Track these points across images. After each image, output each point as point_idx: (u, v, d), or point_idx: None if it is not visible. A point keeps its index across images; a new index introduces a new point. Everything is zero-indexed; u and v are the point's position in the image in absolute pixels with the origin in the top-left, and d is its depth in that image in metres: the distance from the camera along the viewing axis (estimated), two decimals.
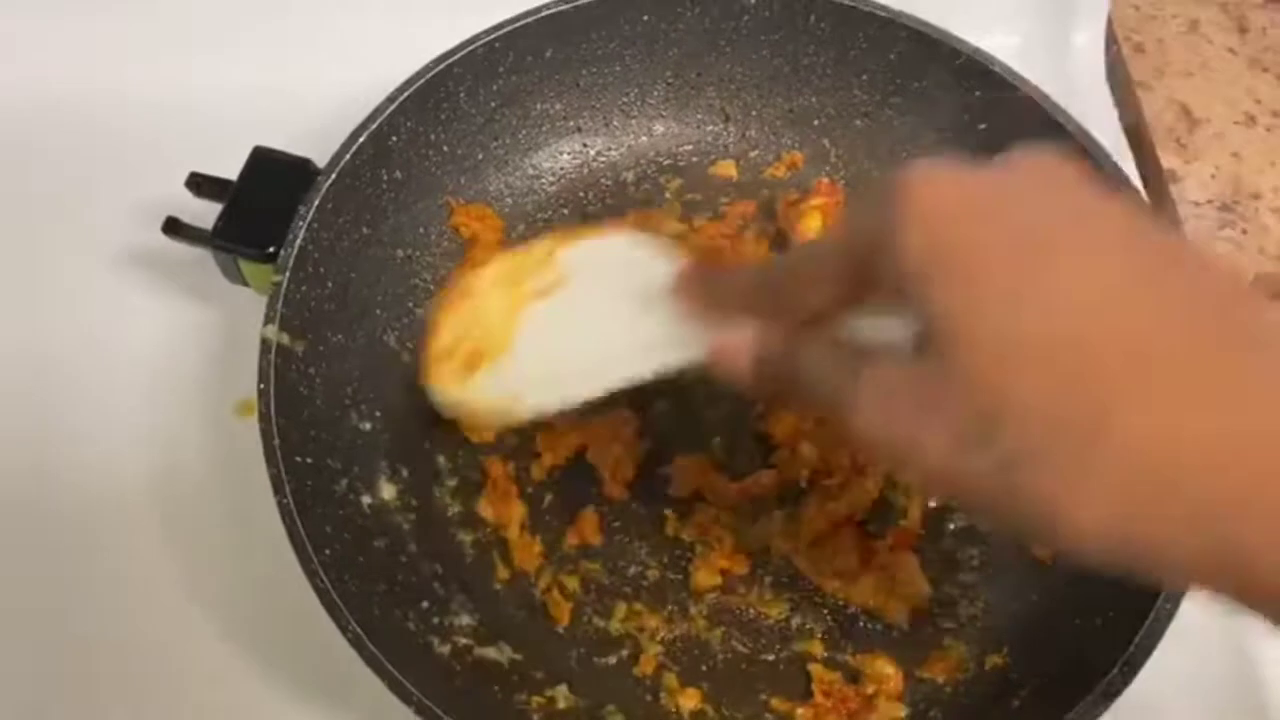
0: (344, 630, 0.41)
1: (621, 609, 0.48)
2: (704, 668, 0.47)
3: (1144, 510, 0.26)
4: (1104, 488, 0.26)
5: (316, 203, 0.48)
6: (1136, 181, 0.61)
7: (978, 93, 0.53)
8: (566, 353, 0.41)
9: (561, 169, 0.58)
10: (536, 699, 0.45)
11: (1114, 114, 0.65)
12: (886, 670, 0.46)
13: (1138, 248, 0.28)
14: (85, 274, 0.57)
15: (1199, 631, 0.44)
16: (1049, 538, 0.27)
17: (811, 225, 0.54)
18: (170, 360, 0.55)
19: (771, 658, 0.48)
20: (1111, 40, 0.67)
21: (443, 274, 0.54)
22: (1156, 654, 0.41)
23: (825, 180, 0.56)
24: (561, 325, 0.42)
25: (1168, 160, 0.63)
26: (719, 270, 0.40)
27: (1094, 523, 0.26)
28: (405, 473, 0.50)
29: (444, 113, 0.53)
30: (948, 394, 0.28)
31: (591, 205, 0.57)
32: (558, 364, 0.41)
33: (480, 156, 0.55)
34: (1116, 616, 0.42)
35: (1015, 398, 0.27)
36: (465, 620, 0.47)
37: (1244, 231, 0.61)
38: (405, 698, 0.40)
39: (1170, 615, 0.41)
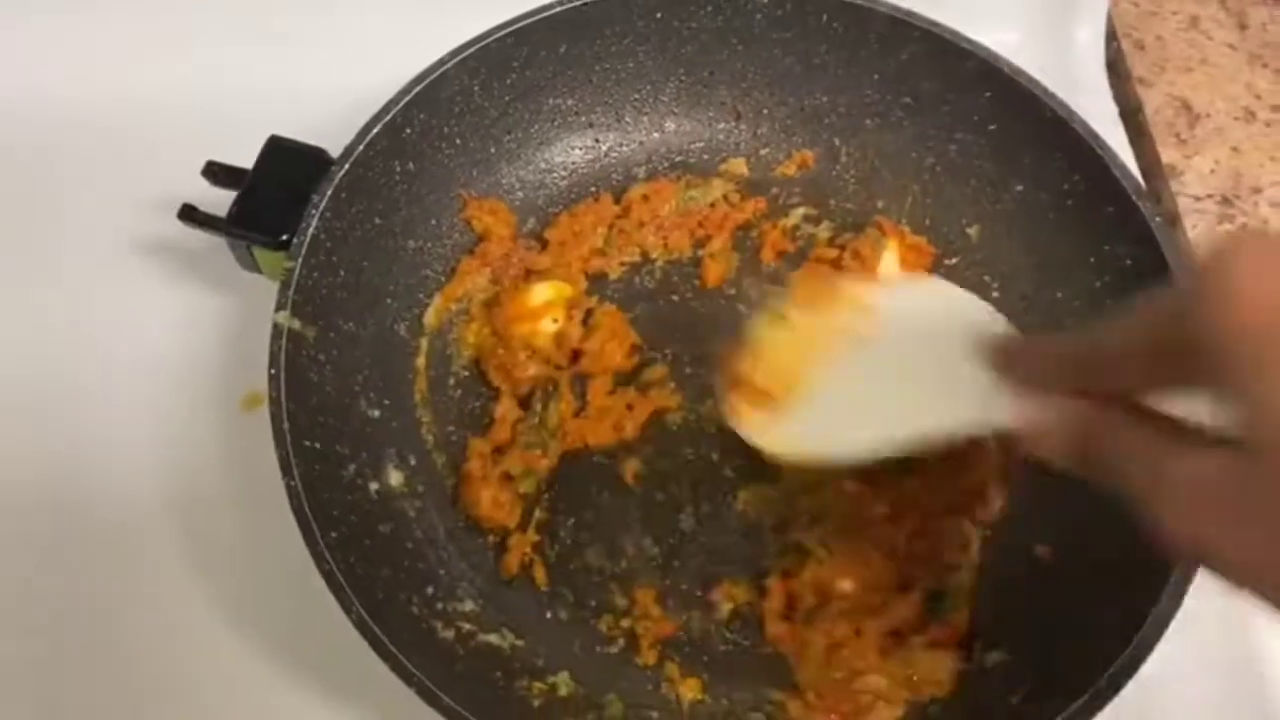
0: (348, 612, 0.41)
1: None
2: (704, 658, 0.48)
3: None
4: None
5: (330, 192, 0.49)
6: (1137, 175, 0.61)
7: (987, 94, 0.54)
8: (871, 400, 0.41)
9: (573, 163, 0.58)
10: (538, 685, 0.46)
11: (1114, 109, 0.65)
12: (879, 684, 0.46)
13: None
14: (102, 260, 0.58)
15: (1200, 628, 0.44)
16: None
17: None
18: (184, 345, 0.56)
19: (770, 651, 0.48)
20: (1112, 36, 0.68)
21: (453, 265, 0.55)
22: (1157, 650, 0.41)
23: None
24: (871, 375, 0.41)
25: (1168, 155, 0.63)
26: (1033, 341, 0.39)
27: None
28: (412, 460, 0.51)
29: (457, 106, 0.53)
30: (1268, 497, 0.26)
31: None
32: (863, 412, 0.41)
33: (493, 150, 0.56)
34: (1118, 614, 0.42)
35: None
36: (469, 606, 0.48)
37: (1243, 225, 0.61)
38: (407, 679, 0.40)
39: (1171, 614, 0.41)
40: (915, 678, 0.46)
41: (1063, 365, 0.35)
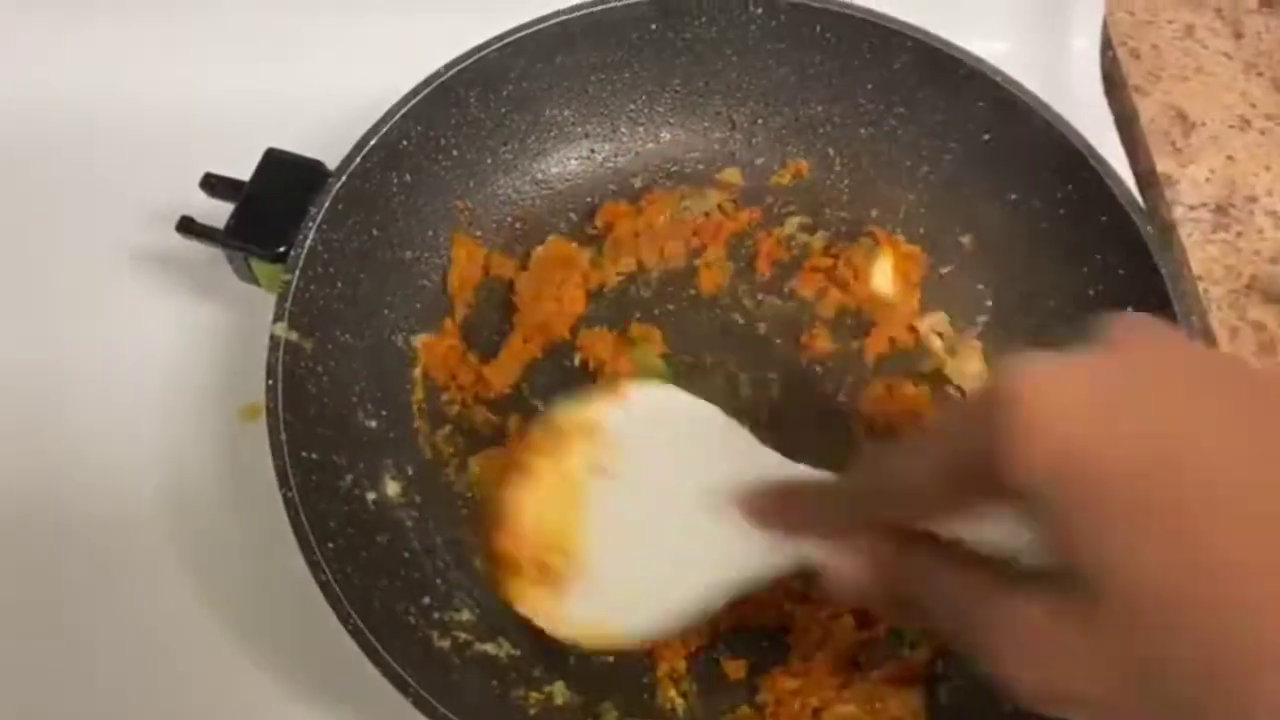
0: (345, 622, 0.41)
1: None
2: (698, 668, 0.48)
3: None
4: None
5: (327, 204, 0.49)
6: (1131, 184, 0.61)
7: (980, 103, 0.54)
8: (648, 567, 0.38)
9: (569, 174, 0.58)
10: (534, 694, 0.46)
11: (1110, 117, 0.65)
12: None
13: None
14: (100, 272, 0.58)
15: None
16: None
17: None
18: (182, 356, 0.56)
19: None
20: (1107, 45, 0.68)
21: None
22: None
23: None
24: (637, 518, 0.39)
25: (1163, 164, 0.64)
26: (793, 489, 0.36)
27: None
28: (410, 470, 0.51)
29: (454, 117, 0.54)
30: (1109, 638, 0.25)
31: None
32: (643, 581, 0.38)
33: (489, 161, 0.56)
34: None
35: (1176, 650, 0.24)
36: (465, 616, 0.48)
37: (1238, 234, 0.61)
38: (403, 689, 0.40)
39: None
40: (880, 708, 0.45)
41: (841, 502, 0.34)
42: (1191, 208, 0.62)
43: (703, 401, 0.40)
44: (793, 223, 0.57)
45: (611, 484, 0.39)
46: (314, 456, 0.46)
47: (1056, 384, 0.26)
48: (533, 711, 0.45)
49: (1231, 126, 0.65)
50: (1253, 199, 0.62)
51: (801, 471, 0.38)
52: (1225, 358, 0.27)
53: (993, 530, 0.30)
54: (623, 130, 0.59)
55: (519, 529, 0.39)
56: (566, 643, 0.40)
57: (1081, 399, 0.26)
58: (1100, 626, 0.25)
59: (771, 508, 0.36)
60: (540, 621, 0.39)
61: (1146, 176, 0.64)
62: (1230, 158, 0.64)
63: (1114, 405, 0.26)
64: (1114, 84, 0.67)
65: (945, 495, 0.29)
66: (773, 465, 0.38)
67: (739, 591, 0.37)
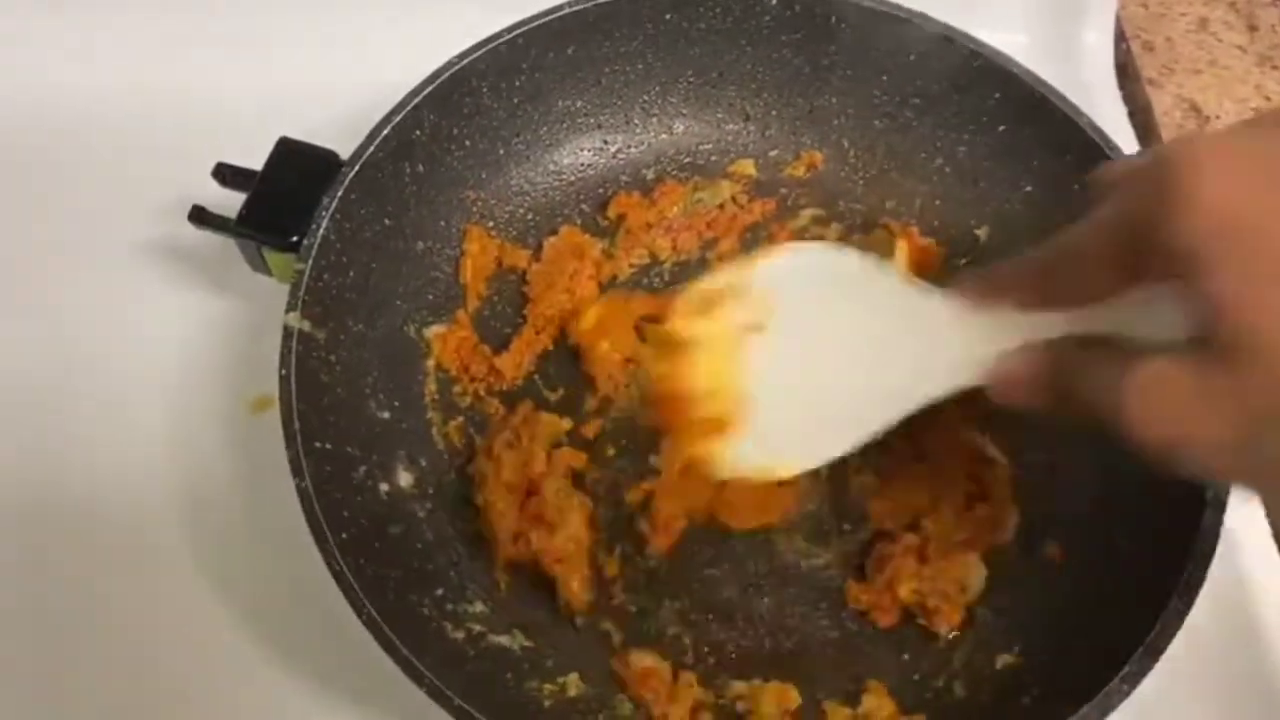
0: (359, 613, 0.41)
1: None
2: (713, 659, 0.48)
3: None
4: None
5: (340, 194, 0.49)
6: None
7: (996, 95, 0.54)
8: (817, 397, 0.39)
9: (582, 165, 0.58)
10: (548, 686, 0.46)
11: (1123, 111, 0.65)
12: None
13: None
14: (113, 262, 0.58)
15: (1211, 631, 0.44)
16: None
17: None
18: (194, 347, 0.56)
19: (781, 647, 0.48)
20: (1121, 38, 0.68)
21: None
22: (1168, 654, 0.41)
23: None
24: (797, 363, 0.40)
25: None
26: (996, 268, 0.39)
27: None
28: (423, 462, 0.51)
29: (467, 108, 0.53)
30: (1236, 385, 0.28)
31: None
32: (813, 412, 0.40)
33: (502, 152, 0.56)
34: (1129, 615, 0.42)
35: None
36: (479, 608, 0.48)
37: None
38: (417, 679, 0.40)
39: (1183, 615, 0.41)
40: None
41: (1025, 273, 0.36)
42: None
43: (851, 252, 0.41)
44: (806, 215, 0.57)
45: (768, 337, 0.40)
46: (327, 447, 0.46)
47: (1225, 154, 0.28)
48: (546, 703, 0.45)
49: (1245, 119, 0.64)
50: None
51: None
52: None
53: (1149, 317, 0.32)
54: (636, 121, 0.58)
55: (682, 390, 0.40)
56: (738, 479, 0.41)
57: (1246, 168, 0.27)
58: (1229, 379, 0.28)
59: (980, 284, 0.38)
60: (724, 468, 0.40)
61: None
62: None
63: (1275, 179, 0.27)
64: (1128, 77, 0.67)
65: (1112, 264, 0.32)
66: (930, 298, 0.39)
67: (906, 411, 0.38)
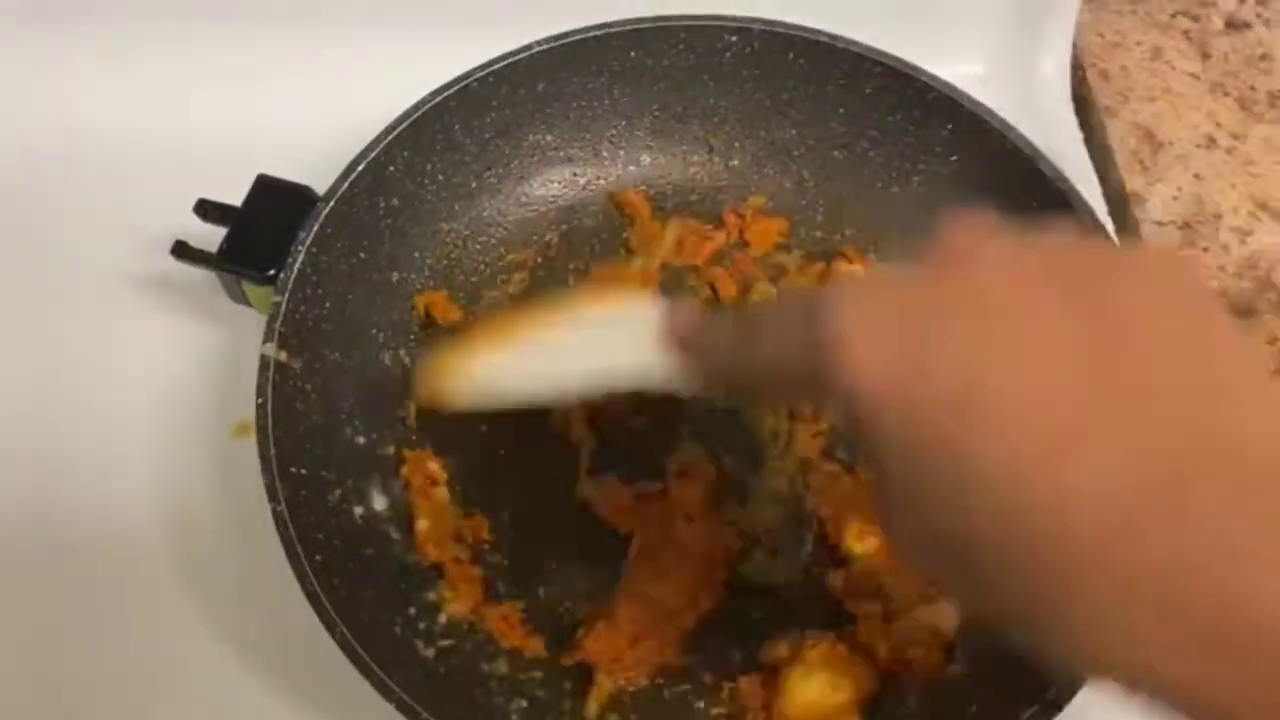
0: (331, 631, 0.43)
1: None
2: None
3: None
4: None
5: (315, 228, 0.51)
6: (1102, 203, 0.63)
7: (949, 125, 0.56)
8: (549, 352, 0.43)
9: (553, 196, 0.60)
10: (518, 701, 0.47)
11: (1079, 137, 0.67)
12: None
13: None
14: (96, 294, 0.60)
15: None
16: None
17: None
18: (175, 376, 0.57)
19: None
20: (1078, 66, 0.70)
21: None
22: None
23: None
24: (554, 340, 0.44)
25: (1132, 182, 0.65)
26: (700, 324, 0.40)
27: None
28: (397, 487, 0.53)
29: (439, 143, 0.55)
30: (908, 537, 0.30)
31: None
32: (539, 361, 0.43)
33: (474, 185, 0.58)
34: None
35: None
36: (450, 625, 0.49)
37: (1205, 249, 0.63)
38: (387, 695, 0.42)
39: None
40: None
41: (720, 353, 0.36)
42: (1160, 224, 0.64)
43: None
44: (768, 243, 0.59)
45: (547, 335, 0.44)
46: (303, 472, 0.48)
47: (868, 320, 0.28)
48: (514, 717, 0.47)
49: (1198, 146, 0.67)
50: (1218, 216, 0.64)
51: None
52: (1046, 253, 0.29)
53: None
54: (604, 153, 0.60)
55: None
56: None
57: (889, 334, 0.27)
58: (900, 526, 0.30)
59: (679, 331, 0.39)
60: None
61: (1117, 195, 0.66)
62: (1197, 176, 0.65)
63: (918, 342, 0.27)
64: (1084, 105, 0.69)
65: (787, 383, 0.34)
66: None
67: (619, 382, 0.40)
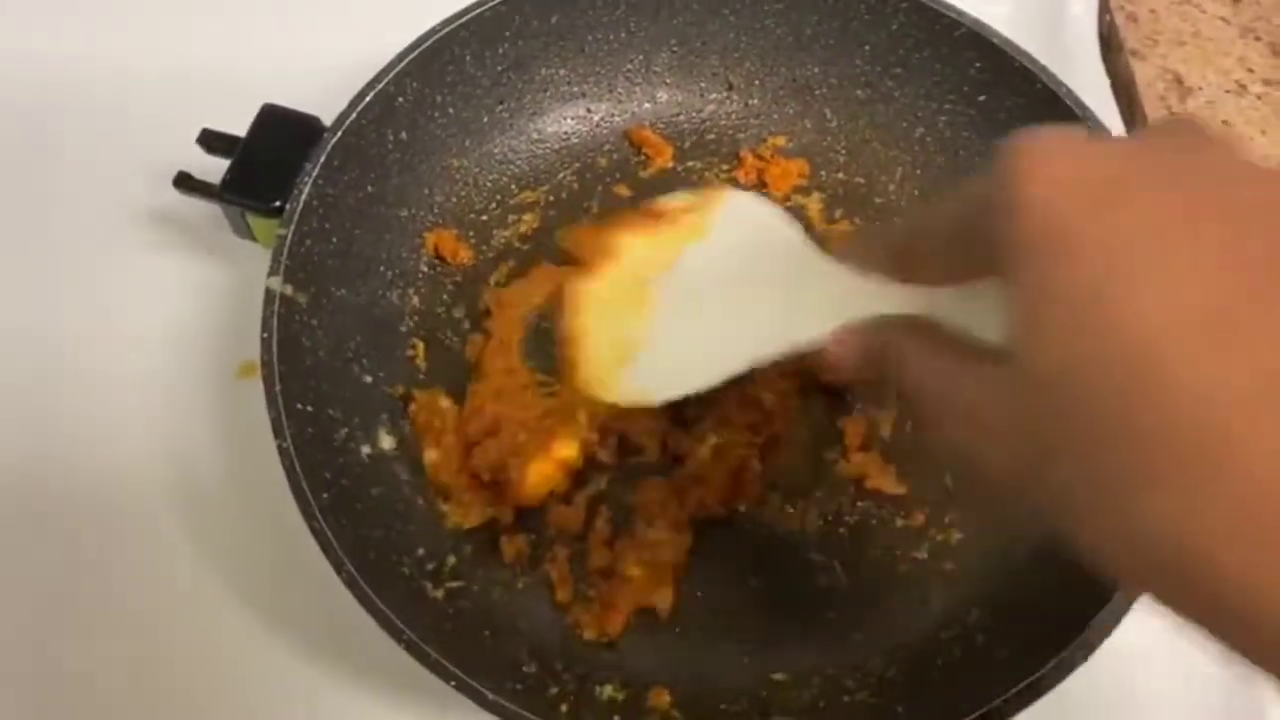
0: (338, 570, 0.42)
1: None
2: None
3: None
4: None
5: (322, 159, 0.49)
6: None
7: (977, 64, 0.54)
8: (700, 333, 0.41)
9: (565, 133, 0.58)
10: (530, 643, 0.47)
11: (1106, 82, 0.65)
12: None
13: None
14: (99, 229, 0.58)
15: None
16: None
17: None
18: (180, 313, 0.56)
19: None
20: (1105, 9, 0.68)
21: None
22: (1138, 620, 0.41)
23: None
24: (691, 303, 0.41)
25: None
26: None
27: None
28: (405, 426, 0.51)
29: (450, 75, 0.54)
30: (1022, 409, 0.27)
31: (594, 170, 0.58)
32: (694, 347, 0.41)
33: (485, 119, 0.56)
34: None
35: (1072, 436, 0.25)
36: (458, 566, 0.48)
37: None
38: (396, 636, 0.41)
39: None
40: None
41: (891, 243, 0.36)
42: None
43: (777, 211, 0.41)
44: (789, 184, 0.58)
45: (673, 276, 0.41)
46: (309, 409, 0.47)
47: (1067, 153, 0.26)
48: (525, 656, 0.46)
49: (1228, 91, 0.65)
50: None
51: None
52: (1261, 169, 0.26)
53: (973, 315, 0.32)
54: (619, 90, 0.59)
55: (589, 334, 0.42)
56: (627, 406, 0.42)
57: (1083, 173, 0.25)
58: (1015, 401, 0.27)
59: (859, 247, 0.38)
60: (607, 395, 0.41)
61: None
62: (1226, 122, 0.64)
63: (1114, 186, 0.25)
64: (1111, 48, 0.67)
65: (956, 248, 0.31)
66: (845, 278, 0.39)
67: (768, 356, 0.38)
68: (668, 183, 0.57)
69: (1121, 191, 0.25)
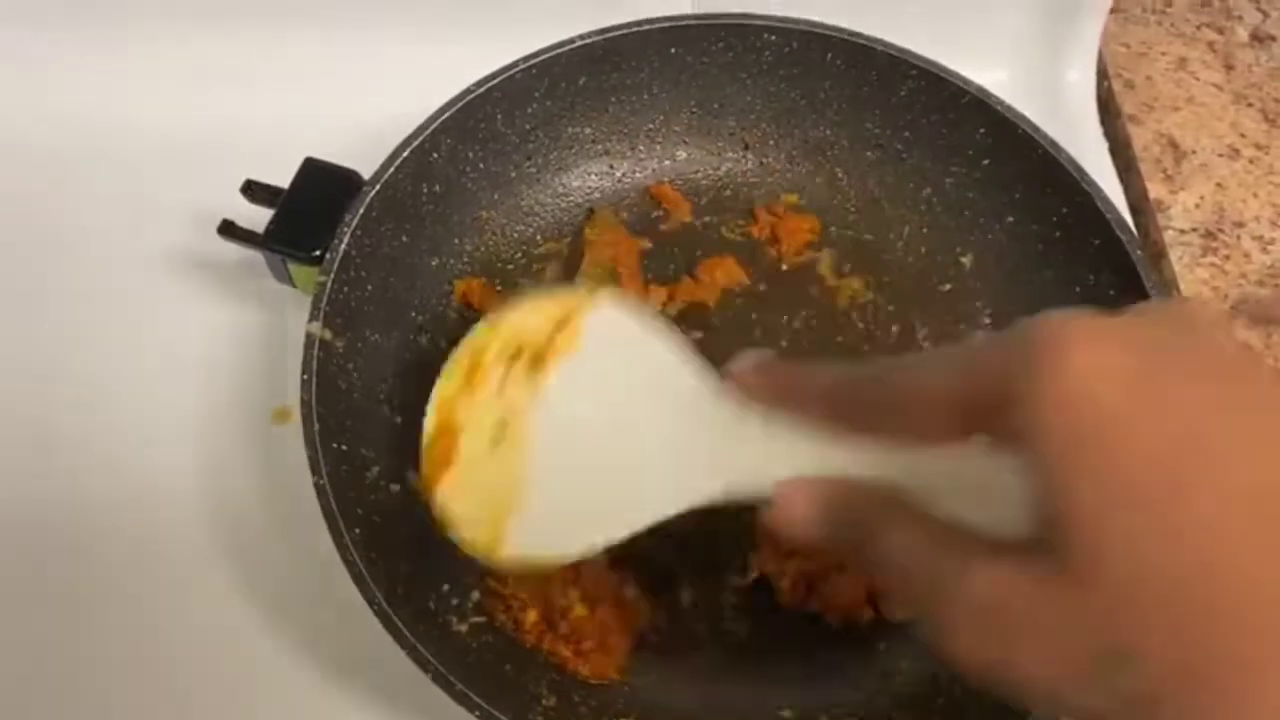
0: (370, 603, 0.44)
1: None
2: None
3: None
4: None
5: (361, 211, 0.52)
6: (1125, 210, 0.64)
7: (982, 129, 0.57)
8: (594, 485, 0.37)
9: (589, 188, 0.61)
10: (548, 677, 0.48)
11: (1104, 146, 0.68)
12: None
13: None
14: (144, 273, 0.61)
15: None
16: None
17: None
18: (219, 356, 0.59)
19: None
20: (1103, 75, 0.71)
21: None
22: None
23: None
24: (582, 443, 0.37)
25: (1155, 190, 0.66)
26: (799, 365, 0.34)
27: None
28: None
29: (482, 133, 0.57)
30: (1083, 610, 0.24)
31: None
32: (587, 500, 0.37)
33: (514, 174, 0.59)
34: None
35: (1153, 637, 0.23)
36: (481, 603, 0.50)
37: (1226, 258, 0.64)
38: (423, 666, 0.43)
39: None
40: None
41: (846, 387, 0.31)
42: (1182, 232, 0.65)
43: (666, 332, 0.37)
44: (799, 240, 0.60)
45: (553, 406, 0.37)
46: (343, 448, 0.49)
47: (1097, 339, 0.25)
48: (545, 692, 0.48)
49: (1221, 155, 0.68)
50: (1240, 224, 0.65)
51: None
52: (1252, 356, 0.27)
53: (964, 481, 0.29)
54: (641, 148, 0.62)
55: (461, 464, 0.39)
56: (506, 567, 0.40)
57: (1118, 361, 0.24)
58: (1071, 603, 0.24)
59: (770, 378, 0.34)
60: (479, 555, 0.38)
61: (1139, 202, 0.67)
62: (1220, 185, 0.66)
63: (1148, 377, 0.24)
64: (1109, 113, 0.70)
65: (947, 413, 0.28)
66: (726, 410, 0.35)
67: (683, 509, 0.35)
68: (686, 237, 0.60)
69: (1158, 386, 0.24)
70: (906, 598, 0.30)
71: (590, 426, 0.37)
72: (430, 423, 0.40)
